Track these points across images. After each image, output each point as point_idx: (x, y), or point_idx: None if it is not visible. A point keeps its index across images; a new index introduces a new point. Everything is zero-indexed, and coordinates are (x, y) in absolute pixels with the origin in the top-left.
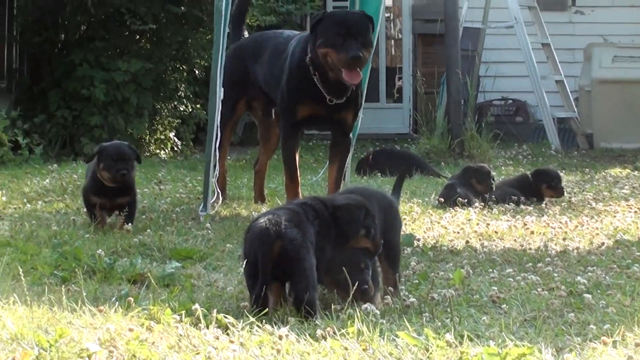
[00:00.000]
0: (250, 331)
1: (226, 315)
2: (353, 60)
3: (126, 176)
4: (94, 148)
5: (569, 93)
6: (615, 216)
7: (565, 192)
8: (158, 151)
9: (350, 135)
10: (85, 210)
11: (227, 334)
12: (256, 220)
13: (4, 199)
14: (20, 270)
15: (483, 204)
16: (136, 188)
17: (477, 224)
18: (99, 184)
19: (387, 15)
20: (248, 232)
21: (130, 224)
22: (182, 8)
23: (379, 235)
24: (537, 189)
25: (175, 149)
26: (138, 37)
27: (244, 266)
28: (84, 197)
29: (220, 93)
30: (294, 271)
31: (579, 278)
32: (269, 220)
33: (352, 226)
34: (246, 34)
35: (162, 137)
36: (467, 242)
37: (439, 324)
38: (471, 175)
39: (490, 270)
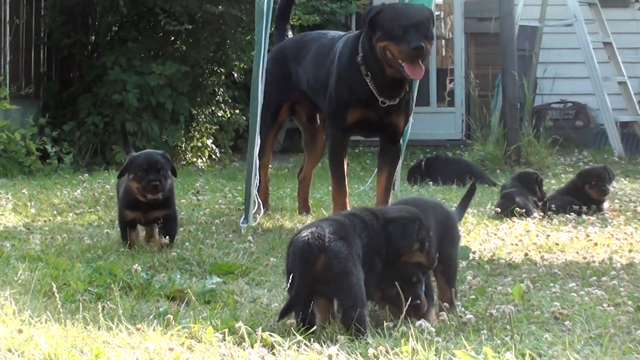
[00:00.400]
0: (298, 350)
1: (272, 334)
2: (416, 52)
3: (158, 188)
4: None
5: (633, 95)
6: None
7: (607, 193)
8: (195, 159)
9: (401, 141)
10: (119, 226)
11: (273, 354)
12: (299, 234)
13: (32, 210)
14: (54, 286)
15: (542, 214)
16: (175, 201)
17: (537, 236)
18: (132, 198)
19: (437, 13)
20: (290, 246)
21: (168, 237)
22: (220, 7)
23: (433, 249)
24: (584, 191)
25: (213, 157)
26: (173, 38)
27: (287, 283)
28: (119, 212)
29: (261, 98)
30: (340, 287)
31: None
32: (311, 233)
33: (405, 240)
34: (290, 34)
35: (199, 144)
36: (526, 254)
37: (499, 342)
38: (533, 182)
39: (552, 284)
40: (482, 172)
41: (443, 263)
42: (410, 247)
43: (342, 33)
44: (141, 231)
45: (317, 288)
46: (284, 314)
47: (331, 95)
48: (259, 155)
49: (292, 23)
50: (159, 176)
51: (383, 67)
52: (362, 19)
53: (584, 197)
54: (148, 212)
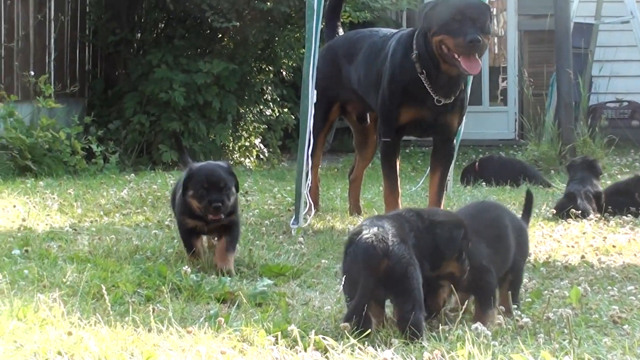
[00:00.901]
0: (352, 354)
1: (325, 337)
2: (472, 45)
3: (221, 209)
4: (184, 171)
5: None
6: None
7: None
8: (242, 159)
9: (454, 141)
10: (180, 236)
11: (327, 357)
12: (359, 233)
13: (79, 211)
14: (103, 288)
15: (599, 215)
16: (239, 208)
17: (593, 238)
18: (191, 208)
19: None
20: (350, 245)
21: (231, 250)
22: (268, 4)
23: (467, 262)
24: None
25: (261, 156)
26: (220, 35)
27: (343, 283)
28: (178, 221)
29: (313, 96)
30: (400, 290)
31: None
32: (375, 235)
33: (450, 246)
34: (341, 31)
35: (247, 144)
36: (583, 257)
37: (557, 345)
38: (598, 167)
39: (610, 287)
40: (537, 173)
41: (514, 273)
42: (454, 253)
43: (394, 30)
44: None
45: (375, 290)
46: (349, 317)
47: (384, 94)
48: (309, 155)
49: (342, 20)
50: (221, 196)
51: (439, 64)
52: (418, 14)
53: (633, 195)
54: (211, 221)
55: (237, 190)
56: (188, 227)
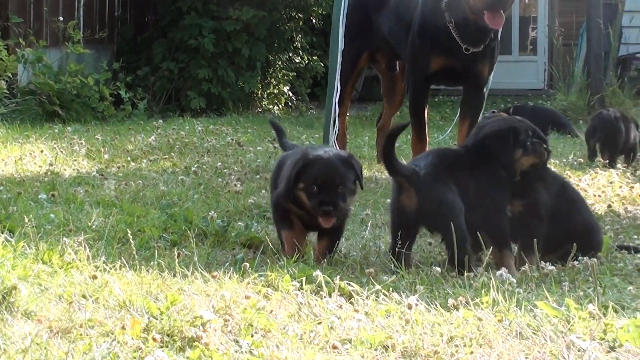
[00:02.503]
0: (376, 300)
1: (350, 283)
2: (494, 0)
3: (332, 215)
4: (298, 159)
5: None
6: None
7: None
8: (271, 106)
9: (484, 90)
10: (275, 220)
11: (351, 303)
12: None
13: (106, 156)
14: (129, 232)
15: (626, 165)
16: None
17: (620, 187)
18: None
19: None
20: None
21: (331, 253)
22: None
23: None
24: None
25: (290, 104)
26: None
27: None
28: (275, 202)
29: (341, 44)
30: (439, 227)
31: None
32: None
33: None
34: None
35: (276, 91)
36: (609, 206)
37: (581, 293)
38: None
39: (635, 236)
40: (568, 123)
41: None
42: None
43: None
44: None
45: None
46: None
47: (414, 42)
48: (337, 103)
49: None
50: (334, 197)
51: (467, 14)
52: None
53: None
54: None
55: (362, 187)
56: (291, 211)
